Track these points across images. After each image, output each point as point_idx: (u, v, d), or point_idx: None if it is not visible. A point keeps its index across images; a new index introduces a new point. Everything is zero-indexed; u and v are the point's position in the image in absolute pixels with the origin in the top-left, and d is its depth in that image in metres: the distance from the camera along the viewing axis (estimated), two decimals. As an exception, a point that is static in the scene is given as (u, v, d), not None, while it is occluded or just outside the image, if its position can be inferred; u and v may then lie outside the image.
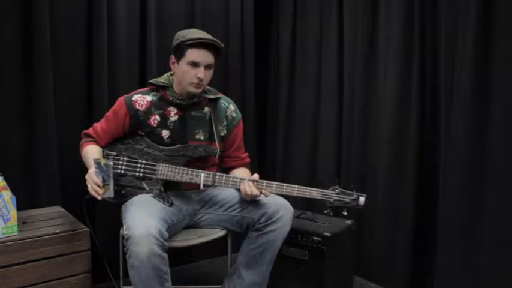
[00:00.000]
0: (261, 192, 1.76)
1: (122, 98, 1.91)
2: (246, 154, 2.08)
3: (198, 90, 1.85)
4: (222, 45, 1.86)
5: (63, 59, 2.26)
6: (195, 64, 1.80)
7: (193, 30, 1.90)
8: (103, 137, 1.91)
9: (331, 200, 1.76)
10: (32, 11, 2.12)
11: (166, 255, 1.62)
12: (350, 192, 1.76)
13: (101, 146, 1.91)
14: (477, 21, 1.86)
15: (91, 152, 1.87)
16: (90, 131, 1.95)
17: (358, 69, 2.47)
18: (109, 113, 1.92)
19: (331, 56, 2.63)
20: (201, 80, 1.81)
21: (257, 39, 2.96)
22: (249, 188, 1.75)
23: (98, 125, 1.94)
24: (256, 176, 1.80)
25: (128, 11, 2.41)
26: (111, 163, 1.76)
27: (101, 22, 2.30)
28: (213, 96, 1.96)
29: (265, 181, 1.77)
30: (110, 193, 1.74)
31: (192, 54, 1.80)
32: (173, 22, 2.56)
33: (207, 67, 1.83)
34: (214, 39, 1.83)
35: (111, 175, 1.74)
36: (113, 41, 2.36)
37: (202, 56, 1.80)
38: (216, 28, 2.66)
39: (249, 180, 1.78)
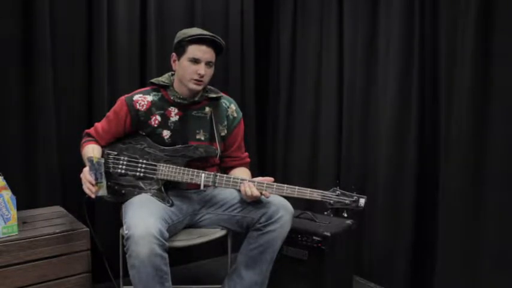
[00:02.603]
0: (261, 193, 1.76)
1: (122, 97, 1.91)
2: (246, 154, 2.08)
3: (199, 88, 1.85)
4: (223, 42, 1.86)
5: (63, 59, 2.26)
6: (195, 60, 1.81)
7: (194, 28, 1.90)
8: (104, 137, 1.91)
9: (332, 201, 1.75)
10: (32, 11, 2.12)
11: (166, 255, 1.62)
12: (350, 193, 1.76)
13: (101, 146, 1.91)
14: (477, 22, 1.86)
15: (90, 151, 1.86)
16: (91, 130, 1.95)
17: (358, 69, 2.48)
18: (110, 113, 1.92)
19: (331, 55, 2.63)
20: (201, 76, 1.82)
21: (257, 39, 2.96)
22: (249, 189, 1.75)
23: (98, 125, 1.94)
24: (270, 179, 1.79)
25: (128, 11, 2.41)
26: (102, 160, 1.74)
27: (101, 22, 2.29)
28: (214, 95, 1.96)
29: (265, 182, 1.77)
30: (104, 191, 1.72)
31: (193, 50, 1.81)
32: (173, 22, 2.56)
33: (208, 64, 1.84)
34: (215, 35, 1.83)
35: (103, 173, 1.72)
36: (113, 41, 2.36)
37: (203, 52, 1.81)
38: (216, 28, 2.66)
39: (249, 181, 1.78)
